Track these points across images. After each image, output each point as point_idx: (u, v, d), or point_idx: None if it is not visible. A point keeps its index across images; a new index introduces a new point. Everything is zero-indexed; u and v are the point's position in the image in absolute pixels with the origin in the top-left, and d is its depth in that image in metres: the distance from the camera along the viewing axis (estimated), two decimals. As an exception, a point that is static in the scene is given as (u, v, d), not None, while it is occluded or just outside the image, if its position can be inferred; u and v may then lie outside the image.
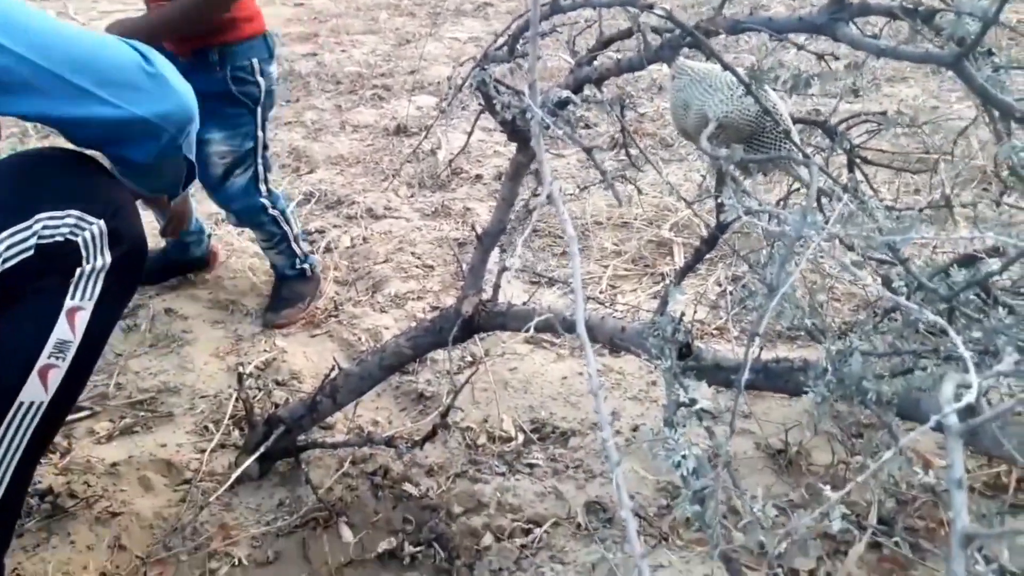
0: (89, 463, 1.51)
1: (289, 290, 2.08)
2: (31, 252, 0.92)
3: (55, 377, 0.96)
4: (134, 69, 0.93)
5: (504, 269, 1.43)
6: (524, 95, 1.02)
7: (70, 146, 1.04)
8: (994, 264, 0.91)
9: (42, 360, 0.94)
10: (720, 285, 2.06)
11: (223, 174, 1.93)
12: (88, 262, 0.95)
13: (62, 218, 0.93)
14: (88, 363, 1.01)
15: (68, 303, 0.95)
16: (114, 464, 1.50)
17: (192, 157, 1.09)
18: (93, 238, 0.95)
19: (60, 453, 1.55)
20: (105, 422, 1.65)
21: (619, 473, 0.60)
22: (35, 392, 0.95)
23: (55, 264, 0.94)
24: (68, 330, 0.95)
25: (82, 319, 0.96)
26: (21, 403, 0.95)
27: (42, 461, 1.52)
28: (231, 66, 1.81)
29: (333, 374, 1.41)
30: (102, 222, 0.95)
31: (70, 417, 1.67)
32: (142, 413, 1.68)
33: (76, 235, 0.94)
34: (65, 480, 1.45)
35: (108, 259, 0.97)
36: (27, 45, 0.86)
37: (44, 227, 0.92)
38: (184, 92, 0.98)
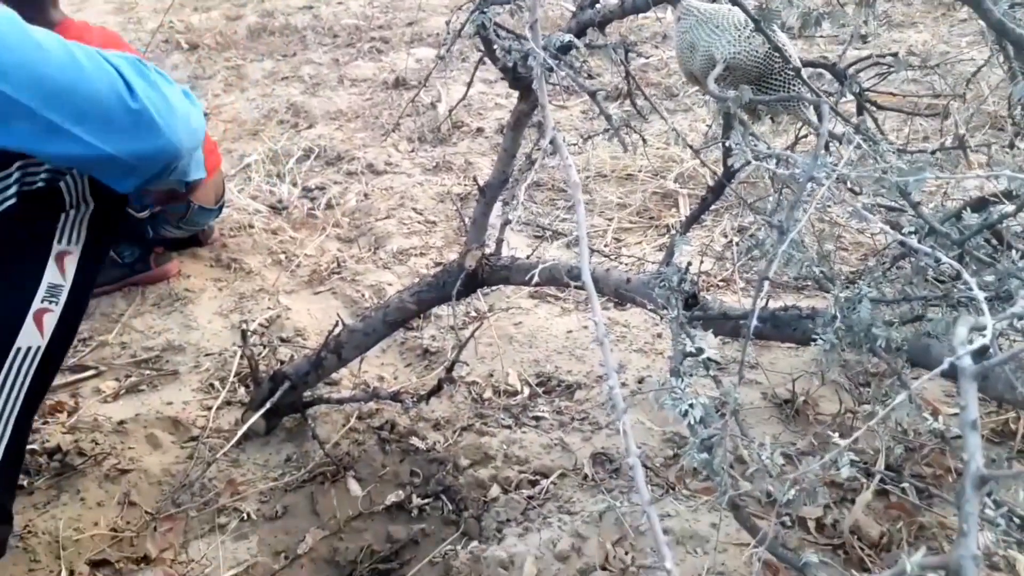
0: (96, 421, 1.51)
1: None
2: (14, 199, 0.90)
3: (50, 321, 0.96)
4: (113, 103, 0.85)
5: (507, 222, 1.41)
6: (525, 39, 0.99)
7: None
8: (1007, 208, 0.89)
9: (36, 304, 0.94)
10: (726, 236, 2.04)
11: None
12: (72, 206, 0.94)
13: (41, 163, 0.91)
14: (79, 306, 1.01)
15: (56, 247, 0.94)
16: (121, 422, 1.51)
17: (195, 177, 1.04)
18: (75, 182, 0.93)
19: (67, 412, 1.55)
20: (111, 381, 1.66)
21: (626, 420, 0.59)
22: (32, 337, 0.95)
23: (39, 210, 0.93)
24: (58, 274, 0.95)
25: (71, 262, 0.96)
26: (19, 348, 0.95)
27: (49, 420, 1.53)
28: None
29: (337, 330, 1.40)
30: None
31: (76, 377, 1.67)
32: (147, 371, 1.68)
33: (58, 179, 0.92)
34: (73, 439, 1.45)
35: (91, 203, 0.96)
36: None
37: (25, 173, 0.90)
38: (168, 127, 0.89)
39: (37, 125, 0.81)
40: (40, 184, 0.92)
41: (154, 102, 0.88)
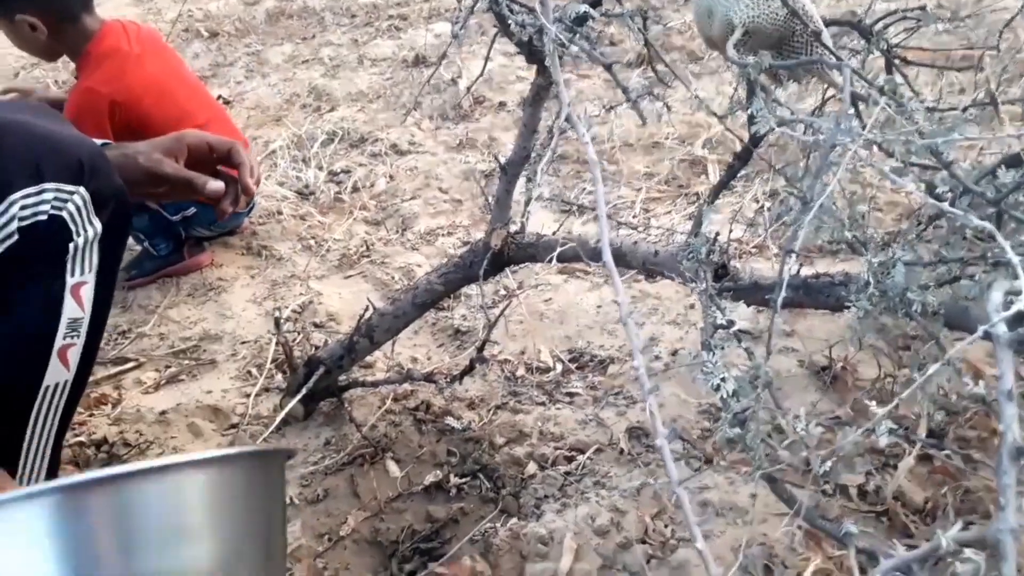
0: (139, 412, 1.55)
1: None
2: (15, 237, 0.86)
3: (74, 354, 0.94)
4: None
5: (531, 199, 1.40)
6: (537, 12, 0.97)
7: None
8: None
9: (59, 343, 0.92)
10: (757, 201, 2.00)
11: None
12: (79, 235, 0.90)
13: (38, 194, 0.87)
14: (100, 326, 0.99)
15: (70, 280, 0.91)
16: (163, 412, 1.54)
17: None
18: (78, 209, 0.89)
19: (111, 404, 1.59)
20: (151, 372, 1.69)
21: (652, 401, 0.59)
22: (58, 374, 0.94)
23: (46, 244, 0.89)
24: (77, 307, 0.92)
25: (87, 292, 0.93)
26: (47, 387, 0.94)
27: (95, 412, 1.57)
28: None
29: (368, 314, 1.41)
30: (82, 189, 0.89)
31: (118, 369, 1.71)
32: (186, 361, 1.71)
33: (59, 209, 0.88)
34: (118, 430, 1.49)
35: (98, 226, 0.92)
36: None
37: (21, 207, 0.86)
38: None
39: None
40: (42, 217, 0.87)
41: None
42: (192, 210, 2.01)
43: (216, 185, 1.04)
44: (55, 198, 0.88)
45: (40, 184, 0.87)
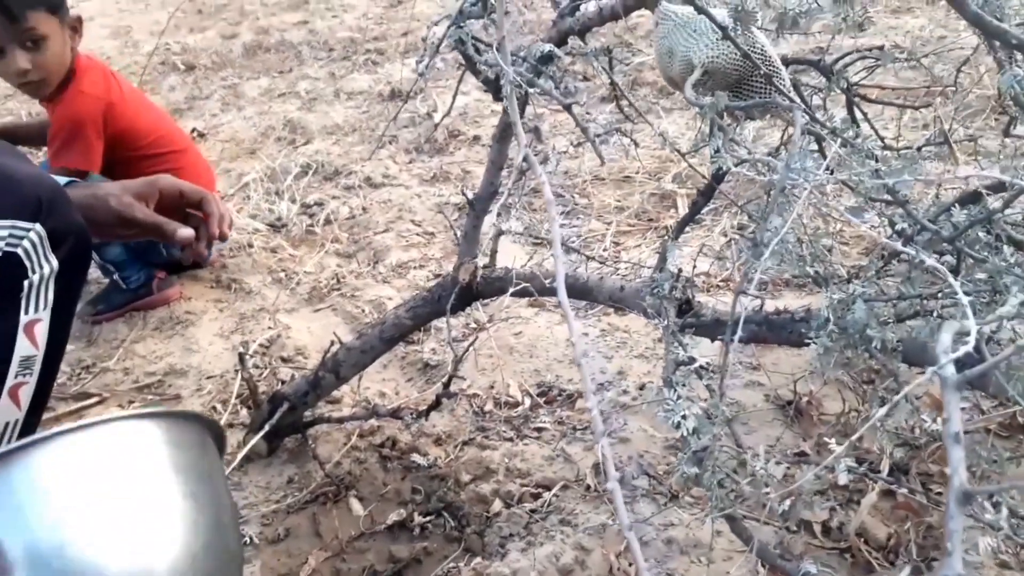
0: (99, 450, 1.51)
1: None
2: None
3: (26, 393, 0.92)
4: None
5: (500, 233, 1.40)
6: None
7: None
8: (998, 202, 0.87)
9: (10, 381, 0.89)
10: (726, 235, 2.02)
11: None
12: (35, 272, 0.88)
13: None
14: (54, 366, 0.96)
15: (24, 318, 0.89)
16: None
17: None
18: (33, 246, 0.88)
19: (71, 441, 1.55)
20: (114, 407, 1.66)
21: (604, 444, 0.58)
22: (9, 412, 0.91)
23: (0, 281, 0.87)
24: (30, 345, 0.89)
25: (41, 330, 0.91)
26: None
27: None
28: None
29: (334, 349, 1.40)
30: (38, 225, 0.88)
31: (80, 404, 1.67)
32: (150, 396, 1.69)
33: (14, 246, 0.87)
34: (76, 468, 1.46)
35: (54, 263, 0.90)
36: None
37: None
38: None
39: None
40: None
41: None
42: None
43: (186, 233, 1.04)
44: (10, 235, 0.86)
45: None
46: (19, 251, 0.87)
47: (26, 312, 0.89)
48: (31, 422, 0.97)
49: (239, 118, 3.17)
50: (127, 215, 1.02)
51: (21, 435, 0.96)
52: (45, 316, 0.91)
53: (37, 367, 0.92)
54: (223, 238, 1.13)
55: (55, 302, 0.92)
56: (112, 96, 1.91)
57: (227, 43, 4.12)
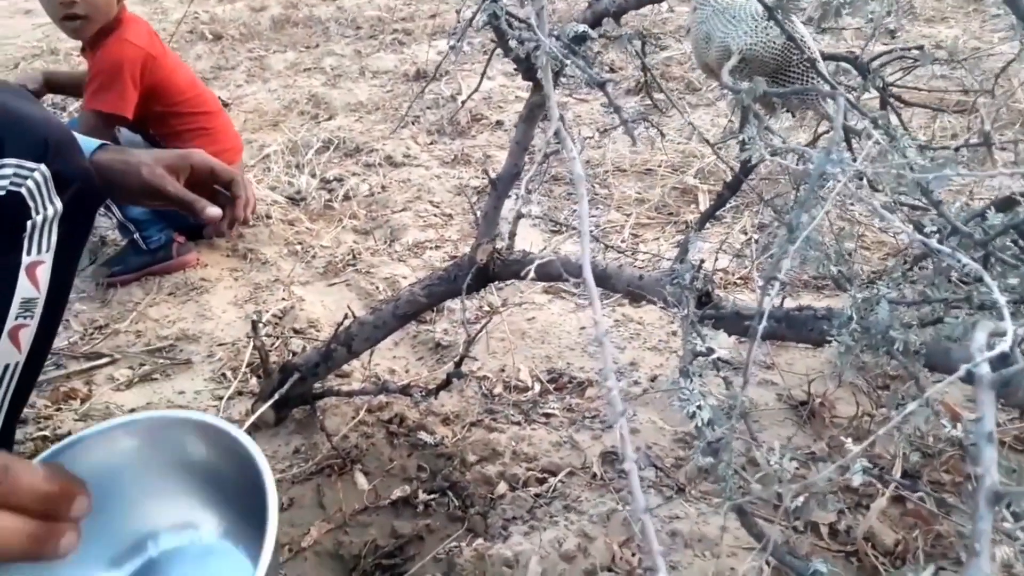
0: (108, 409, 1.52)
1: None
2: None
3: (27, 335, 0.91)
4: None
5: (520, 216, 1.39)
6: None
7: None
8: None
9: (10, 322, 0.88)
10: (746, 233, 2.00)
11: None
12: (38, 212, 0.87)
13: None
14: (57, 311, 0.96)
15: (26, 259, 0.88)
16: (133, 410, 1.51)
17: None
18: (37, 186, 0.87)
19: (80, 399, 1.56)
20: (124, 369, 1.66)
21: (623, 423, 0.57)
22: (9, 354, 0.90)
23: (2, 220, 0.86)
24: (31, 287, 0.89)
25: (44, 272, 0.90)
26: None
27: (62, 407, 1.54)
28: None
29: (347, 323, 1.39)
30: (43, 166, 0.87)
31: (90, 364, 1.68)
32: (161, 360, 1.69)
33: (18, 186, 0.86)
34: (85, 426, 1.46)
35: (59, 205, 0.89)
36: None
37: None
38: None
39: None
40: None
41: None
42: None
43: (213, 212, 1.04)
44: (15, 174, 0.86)
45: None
46: (23, 191, 0.86)
47: (28, 253, 0.89)
48: (32, 368, 0.96)
49: (264, 90, 3.17)
50: (156, 186, 1.01)
51: (22, 380, 0.96)
52: (48, 259, 0.91)
53: (38, 311, 0.91)
54: (246, 222, 1.13)
55: (58, 246, 0.91)
56: (154, 50, 1.93)
57: (256, 15, 4.11)
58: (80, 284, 1.95)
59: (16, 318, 0.89)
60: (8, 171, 0.85)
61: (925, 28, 3.29)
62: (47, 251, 0.90)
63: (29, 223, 0.88)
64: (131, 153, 1.03)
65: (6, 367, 0.91)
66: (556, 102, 0.72)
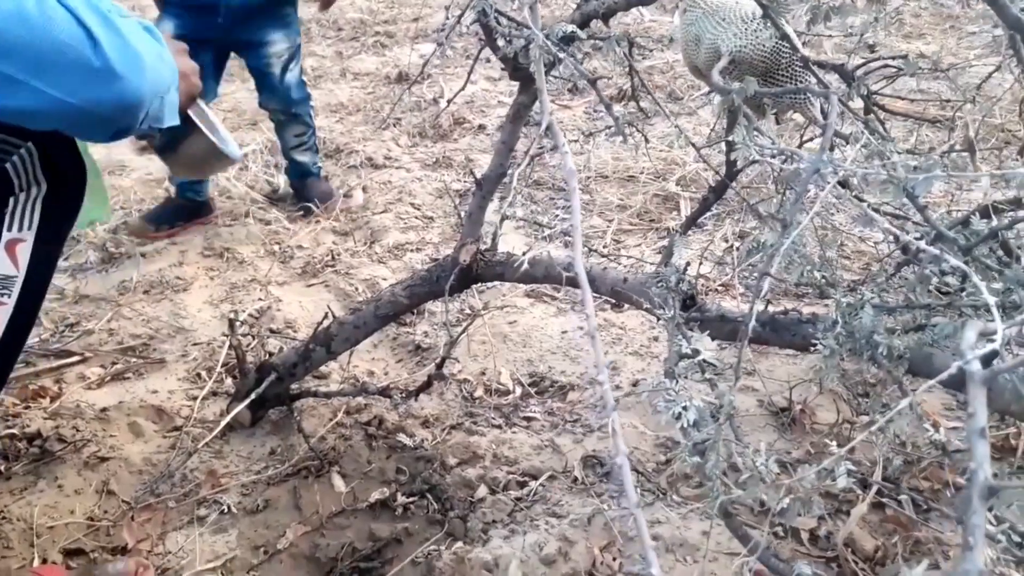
0: (79, 408, 1.48)
1: (318, 189, 2.24)
2: None
3: (3, 315, 0.89)
4: (71, 52, 0.73)
5: (504, 217, 1.38)
6: (526, 27, 0.96)
7: None
8: (1019, 213, 0.86)
9: None
10: (727, 241, 2.01)
11: (281, 71, 2.10)
12: (21, 189, 0.86)
13: None
14: (36, 298, 0.94)
15: (6, 235, 0.86)
16: (104, 409, 1.48)
17: (168, 123, 0.90)
18: (23, 161, 0.85)
19: (50, 397, 1.52)
20: (96, 367, 1.63)
21: (615, 417, 0.56)
22: None
23: None
24: (10, 264, 0.87)
25: (23, 251, 0.88)
26: None
27: (31, 405, 1.50)
28: None
29: (327, 323, 1.37)
30: (30, 144, 0.85)
31: (61, 362, 1.64)
32: (134, 359, 1.65)
33: (3, 160, 0.84)
34: (54, 424, 1.42)
35: (44, 184, 0.87)
36: None
37: None
38: (131, 73, 0.78)
39: None
40: None
41: (116, 47, 0.77)
42: None
43: None
44: (0, 148, 0.84)
45: None
46: (7, 165, 0.85)
47: (9, 229, 0.87)
48: (7, 353, 0.94)
49: (243, 89, 3.13)
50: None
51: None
52: (29, 238, 0.89)
53: (16, 290, 0.89)
54: None
55: (41, 227, 0.89)
56: None
57: (235, 15, 4.08)
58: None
59: None
60: None
61: (903, 43, 3.34)
62: (28, 230, 0.88)
63: (12, 199, 0.86)
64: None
65: None
66: (547, 96, 0.71)
